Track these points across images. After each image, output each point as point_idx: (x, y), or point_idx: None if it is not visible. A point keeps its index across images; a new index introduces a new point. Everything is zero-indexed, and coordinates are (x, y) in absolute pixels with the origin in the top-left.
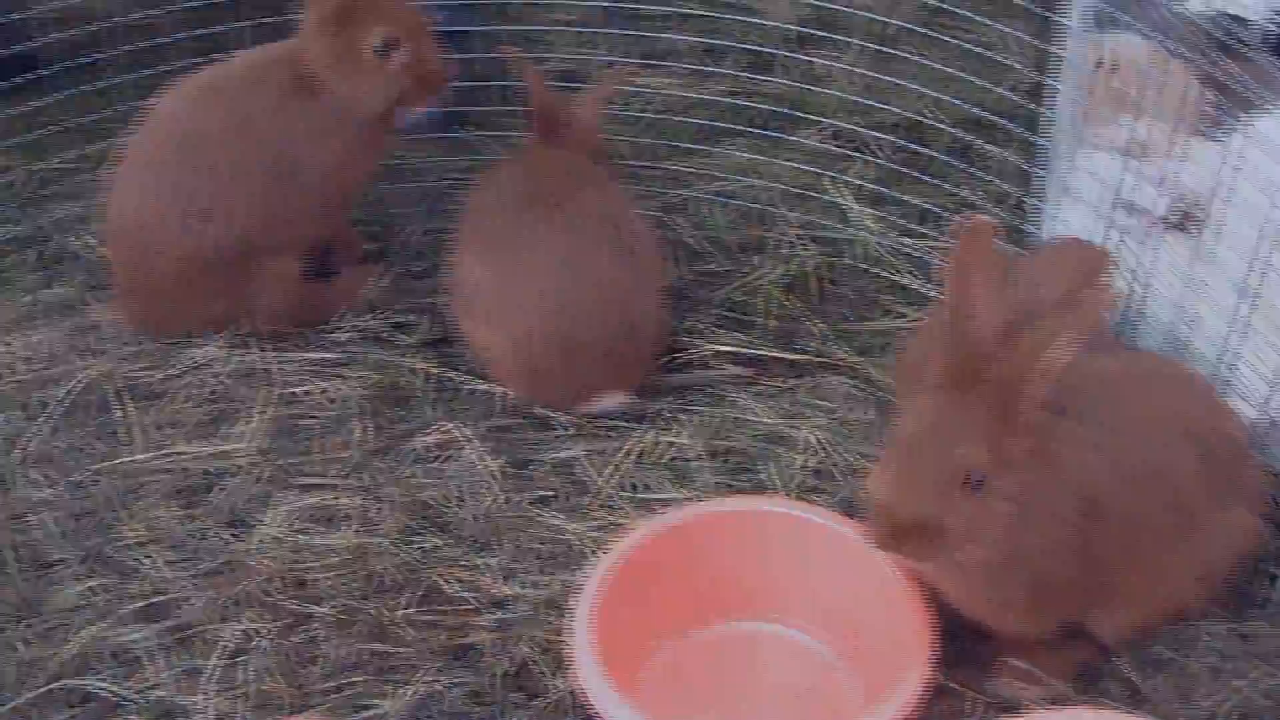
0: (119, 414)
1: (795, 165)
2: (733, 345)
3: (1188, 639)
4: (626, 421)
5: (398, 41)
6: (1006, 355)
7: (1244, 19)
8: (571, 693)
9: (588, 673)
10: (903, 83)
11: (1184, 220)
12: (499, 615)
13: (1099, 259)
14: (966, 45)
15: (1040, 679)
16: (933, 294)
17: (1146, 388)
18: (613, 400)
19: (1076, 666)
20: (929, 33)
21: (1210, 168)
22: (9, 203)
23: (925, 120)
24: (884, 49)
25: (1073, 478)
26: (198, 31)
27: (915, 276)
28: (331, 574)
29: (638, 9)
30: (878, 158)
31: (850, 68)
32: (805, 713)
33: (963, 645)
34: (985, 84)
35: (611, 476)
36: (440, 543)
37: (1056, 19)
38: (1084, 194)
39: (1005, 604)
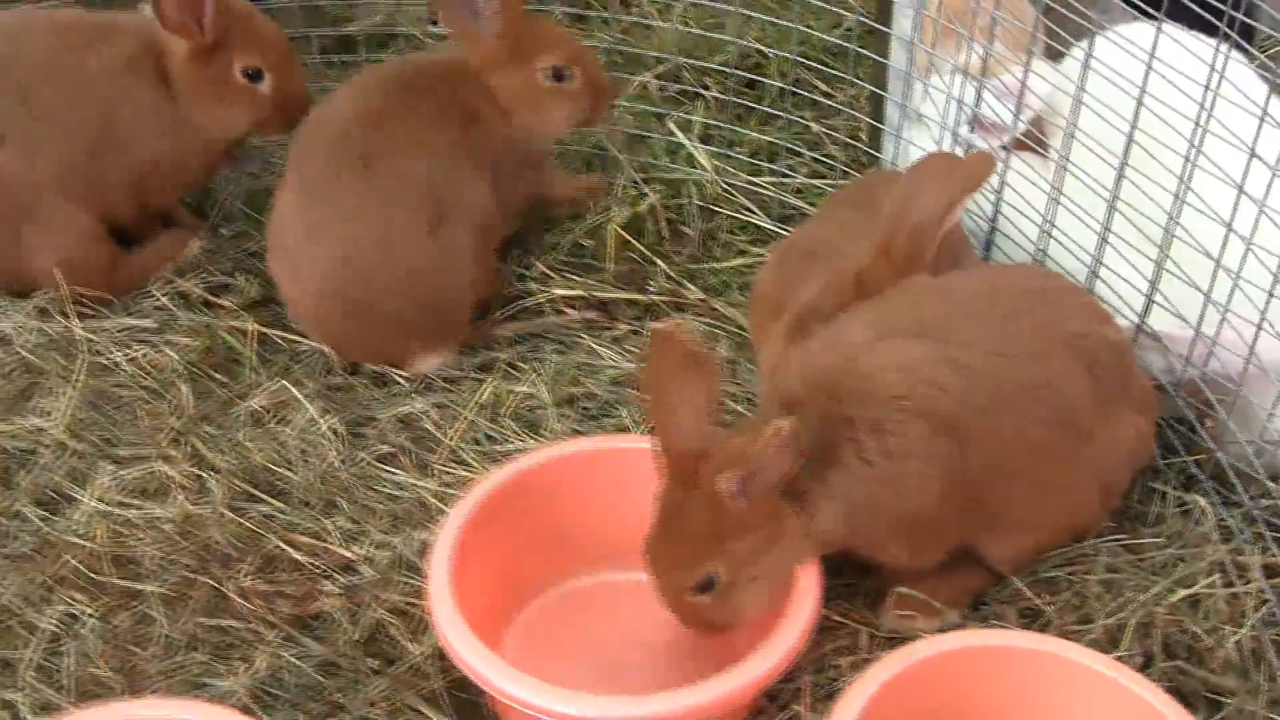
0: None
1: (632, 107)
2: (579, 289)
3: (1080, 557)
4: (473, 373)
5: (266, 69)
6: (709, 463)
7: None
8: (432, 656)
9: (450, 629)
10: (747, 12)
11: (1034, 135)
12: (347, 580)
13: (979, 165)
14: None
15: (933, 608)
16: (782, 231)
17: (1020, 301)
18: (429, 362)
19: (970, 594)
20: None
21: (1058, 81)
22: None
23: (768, 56)
24: None
25: (928, 405)
26: None
27: (762, 215)
28: (160, 548)
29: None
30: (723, 96)
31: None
32: (684, 662)
33: (851, 578)
34: (836, 10)
35: (459, 430)
36: (279, 508)
37: None
38: (932, 116)
39: (882, 543)
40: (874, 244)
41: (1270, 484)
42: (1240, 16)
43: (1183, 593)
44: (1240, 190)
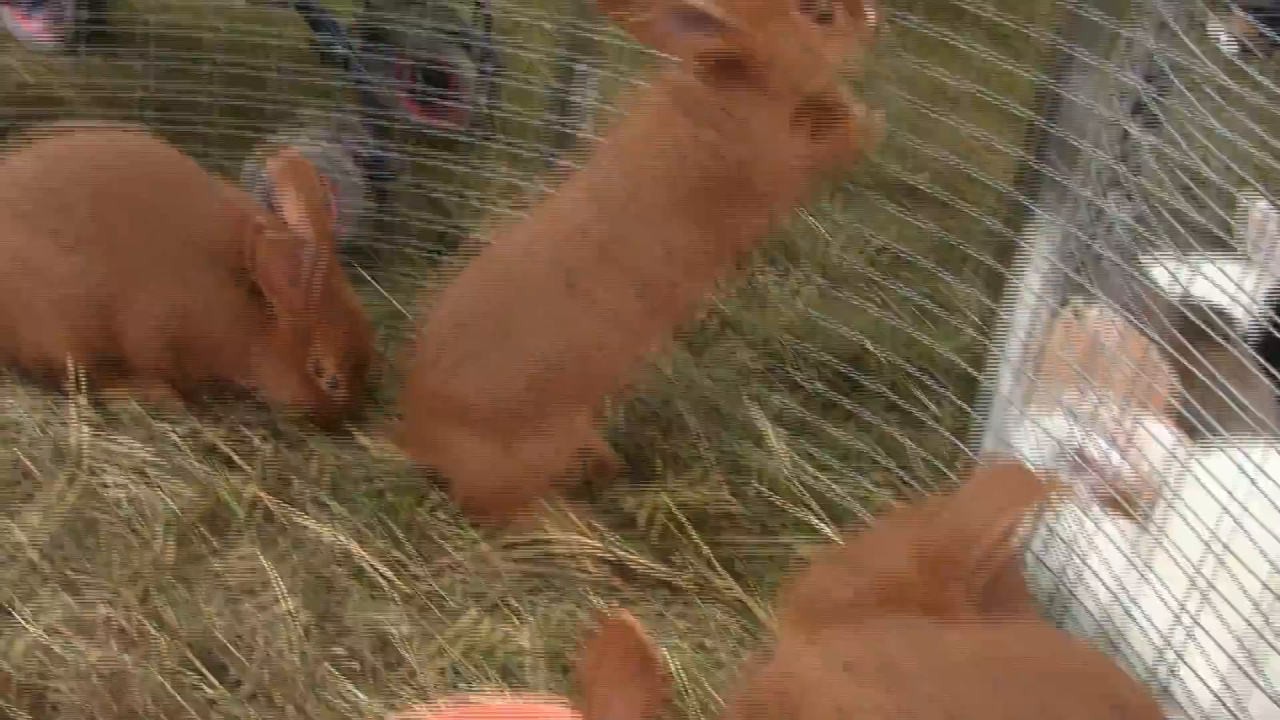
0: None
1: (715, 378)
2: (601, 549)
3: None
4: (459, 600)
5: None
6: None
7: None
8: None
9: None
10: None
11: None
12: None
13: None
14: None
15: None
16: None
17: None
18: None
19: None
20: (877, 276)
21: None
22: None
23: (866, 356)
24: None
25: None
26: None
27: (822, 519)
28: (80, 696)
29: None
30: (814, 384)
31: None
32: None
33: None
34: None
35: (431, 657)
36: (214, 687)
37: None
38: (1026, 453)
39: None
40: (910, 546)
41: None
42: None
43: None
44: None
